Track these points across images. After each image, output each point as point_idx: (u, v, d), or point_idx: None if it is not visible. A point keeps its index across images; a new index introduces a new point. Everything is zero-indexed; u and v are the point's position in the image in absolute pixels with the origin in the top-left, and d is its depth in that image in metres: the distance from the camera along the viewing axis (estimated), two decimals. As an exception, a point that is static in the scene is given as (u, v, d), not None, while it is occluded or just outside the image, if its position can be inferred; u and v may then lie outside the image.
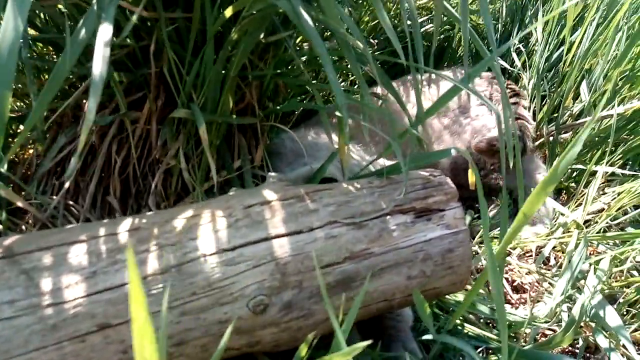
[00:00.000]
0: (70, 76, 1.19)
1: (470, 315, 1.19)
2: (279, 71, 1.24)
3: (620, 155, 1.46)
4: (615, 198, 1.34)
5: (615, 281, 1.18)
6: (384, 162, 1.59)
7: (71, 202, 1.11)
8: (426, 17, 2.07)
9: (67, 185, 1.09)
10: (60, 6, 1.07)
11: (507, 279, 1.39)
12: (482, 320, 1.21)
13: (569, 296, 1.20)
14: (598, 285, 1.07)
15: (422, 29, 2.05)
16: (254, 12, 0.94)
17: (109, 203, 1.13)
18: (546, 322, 1.15)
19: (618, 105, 1.42)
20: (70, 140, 1.18)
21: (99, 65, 0.68)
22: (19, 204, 1.03)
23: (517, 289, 1.39)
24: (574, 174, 1.61)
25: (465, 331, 1.13)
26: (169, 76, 1.07)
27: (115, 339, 0.70)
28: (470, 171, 0.98)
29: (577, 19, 1.69)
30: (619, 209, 1.34)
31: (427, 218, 0.92)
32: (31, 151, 1.21)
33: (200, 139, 1.06)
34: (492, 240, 1.48)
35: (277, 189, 0.88)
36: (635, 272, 1.20)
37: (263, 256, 0.78)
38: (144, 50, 1.10)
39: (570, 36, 1.71)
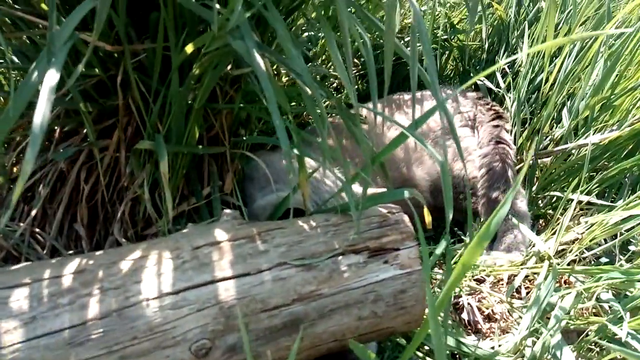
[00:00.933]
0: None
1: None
2: (242, 104, 1.24)
3: (598, 184, 1.44)
4: (588, 229, 1.33)
5: (579, 318, 1.17)
6: (359, 188, 1.60)
7: (37, 230, 1.12)
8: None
9: (33, 212, 1.11)
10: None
11: (479, 307, 1.39)
12: (448, 352, 1.21)
13: (535, 330, 1.19)
14: (557, 324, 1.07)
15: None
16: (214, 49, 0.94)
17: (75, 230, 1.14)
18: (508, 357, 1.14)
19: (594, 133, 1.41)
20: (42, 166, 1.19)
21: (40, 114, 0.69)
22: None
23: (489, 318, 1.38)
24: (553, 200, 1.60)
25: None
26: (134, 107, 1.08)
27: (55, 382, 0.71)
28: (425, 210, 0.98)
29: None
30: (592, 240, 1.33)
31: (381, 258, 0.92)
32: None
33: (170, 167, 1.07)
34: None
35: (229, 228, 0.89)
36: (606, 306, 1.19)
37: (207, 300, 0.79)
38: (113, 80, 1.11)
39: (550, 63, 1.70)
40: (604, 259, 1.40)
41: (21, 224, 1.11)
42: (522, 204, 1.64)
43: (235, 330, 0.80)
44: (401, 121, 1.80)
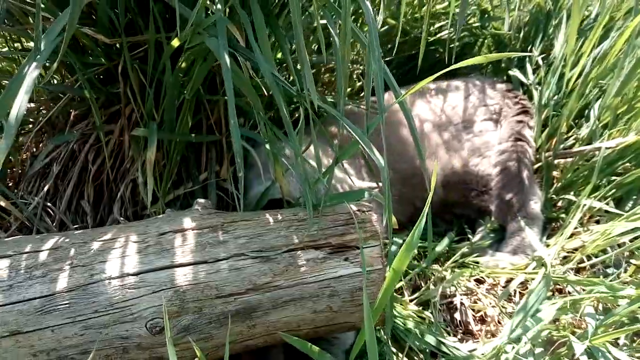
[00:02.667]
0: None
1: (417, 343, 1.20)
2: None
3: (614, 190, 1.36)
4: (592, 237, 1.26)
5: (566, 329, 1.13)
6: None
7: (49, 204, 1.24)
8: (444, 22, 2.00)
9: (46, 188, 1.23)
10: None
11: (472, 308, 1.38)
12: (428, 351, 1.22)
13: (519, 337, 1.17)
14: (535, 333, 1.04)
15: (437, 36, 1.99)
16: (196, 44, 0.99)
17: (82, 207, 1.25)
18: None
19: (614, 136, 1.32)
20: (58, 145, 1.31)
21: (17, 107, 0.77)
22: (1, 203, 1.18)
23: (482, 320, 1.37)
24: (569, 203, 1.53)
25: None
26: (130, 95, 1.15)
27: (25, 344, 0.81)
28: (387, 213, 0.98)
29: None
30: (597, 248, 1.27)
31: (342, 255, 0.95)
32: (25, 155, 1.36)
33: (166, 153, 1.15)
34: (463, 267, 1.46)
35: (196, 217, 0.94)
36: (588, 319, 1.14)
37: (163, 283, 0.85)
38: (117, 69, 1.19)
39: (589, 54, 1.59)
40: (611, 270, 1.33)
41: (35, 198, 1.23)
42: (536, 206, 1.57)
43: (189, 312, 0.86)
44: (423, 110, 1.77)
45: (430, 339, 1.23)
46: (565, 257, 1.37)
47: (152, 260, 0.87)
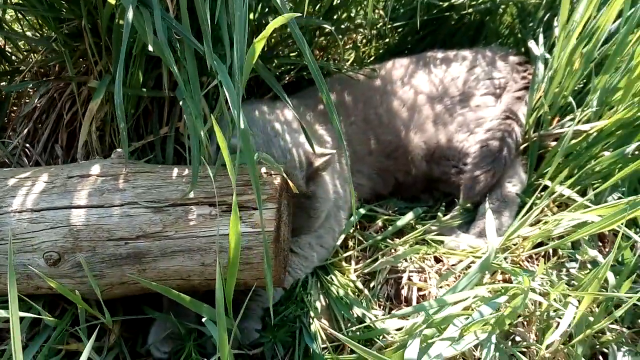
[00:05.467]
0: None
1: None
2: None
3: (581, 177, 1.22)
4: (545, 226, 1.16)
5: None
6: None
7: (27, 146, 1.38)
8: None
9: (25, 130, 1.37)
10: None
11: (419, 288, 1.33)
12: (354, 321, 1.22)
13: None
14: (437, 317, 1.00)
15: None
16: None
17: (55, 151, 1.38)
18: (394, 336, 1.11)
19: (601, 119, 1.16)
20: (46, 92, 1.44)
21: None
22: (-15, 141, 1.33)
23: (425, 298, 1.33)
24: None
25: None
26: (89, 51, 1.23)
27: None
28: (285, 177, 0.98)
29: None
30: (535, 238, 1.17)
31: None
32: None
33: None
34: (424, 244, 1.41)
35: (106, 165, 1.01)
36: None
37: (60, 221, 0.94)
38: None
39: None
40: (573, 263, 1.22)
41: (16, 140, 1.38)
42: (513, 188, 1.47)
43: (83, 250, 0.95)
44: (421, 81, 1.70)
45: (357, 310, 1.23)
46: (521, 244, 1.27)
47: (54, 199, 0.96)
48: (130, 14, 0.92)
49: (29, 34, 1.53)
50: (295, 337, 1.13)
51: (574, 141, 1.25)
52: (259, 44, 0.77)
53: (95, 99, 1.17)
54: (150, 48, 0.91)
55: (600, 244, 1.29)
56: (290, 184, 1.01)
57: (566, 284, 1.06)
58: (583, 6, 1.24)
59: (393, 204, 1.64)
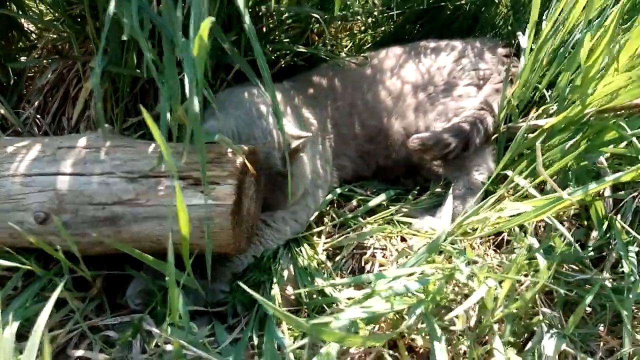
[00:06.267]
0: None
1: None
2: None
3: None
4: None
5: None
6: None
7: (38, 117, 1.54)
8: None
9: (36, 103, 1.53)
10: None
11: (381, 263, 1.44)
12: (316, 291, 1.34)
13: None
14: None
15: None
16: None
17: (62, 122, 1.54)
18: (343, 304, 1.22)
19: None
20: (56, 68, 1.59)
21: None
22: (2, 111, 1.50)
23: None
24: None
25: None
26: (90, 34, 1.37)
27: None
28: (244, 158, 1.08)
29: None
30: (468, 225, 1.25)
31: (200, 187, 1.10)
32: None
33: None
34: (396, 224, 1.50)
35: (92, 139, 1.15)
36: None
37: (47, 186, 1.09)
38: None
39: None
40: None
41: (28, 111, 1.54)
42: (480, 177, 1.54)
43: (67, 212, 1.09)
44: (409, 70, 1.76)
45: (318, 280, 1.34)
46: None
47: (44, 166, 1.10)
48: (112, 5, 1.04)
49: (44, 10, 1.67)
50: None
51: (532, 135, 1.31)
52: (204, 30, 0.86)
53: (92, 77, 1.30)
54: (125, 36, 1.02)
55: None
56: (249, 164, 1.12)
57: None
58: (554, 4, 1.28)
59: (372, 186, 1.74)
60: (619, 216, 1.31)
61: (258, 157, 1.26)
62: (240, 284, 1.00)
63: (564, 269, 1.24)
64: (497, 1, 1.93)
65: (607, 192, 1.32)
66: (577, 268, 1.27)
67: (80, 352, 1.12)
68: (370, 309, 0.95)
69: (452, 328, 1.03)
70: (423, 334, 1.09)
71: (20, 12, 1.54)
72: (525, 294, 1.06)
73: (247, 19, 1.11)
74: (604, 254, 1.32)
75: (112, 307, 1.27)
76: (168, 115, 1.05)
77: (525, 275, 1.09)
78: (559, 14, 1.30)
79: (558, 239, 1.09)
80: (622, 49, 1.04)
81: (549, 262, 1.04)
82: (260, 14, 1.69)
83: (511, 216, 1.13)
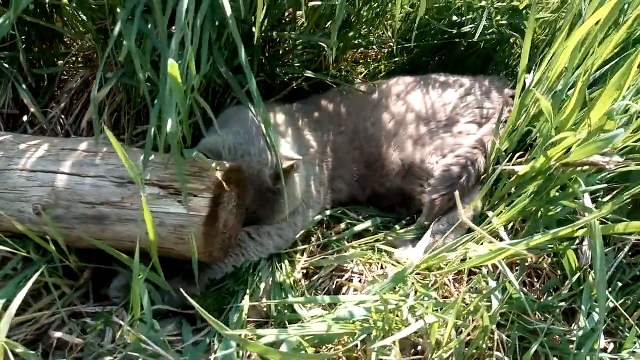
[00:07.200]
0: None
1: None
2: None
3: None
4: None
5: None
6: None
7: (62, 117, 1.70)
8: (471, 16, 1.93)
9: (62, 104, 1.69)
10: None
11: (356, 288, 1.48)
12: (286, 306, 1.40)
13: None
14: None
15: (461, 29, 1.94)
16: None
17: (81, 125, 1.69)
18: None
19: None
20: (83, 75, 1.75)
21: None
22: (32, 109, 1.67)
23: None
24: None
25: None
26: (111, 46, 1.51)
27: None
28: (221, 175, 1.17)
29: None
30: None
31: (178, 197, 1.19)
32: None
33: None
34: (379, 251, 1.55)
35: (93, 144, 1.28)
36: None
37: (47, 182, 1.22)
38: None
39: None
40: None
41: (54, 110, 1.70)
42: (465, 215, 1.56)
43: (61, 207, 1.22)
44: (416, 98, 1.81)
45: (295, 299, 1.40)
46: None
47: (46, 164, 1.24)
48: (117, 27, 1.16)
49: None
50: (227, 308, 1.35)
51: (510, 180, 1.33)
52: (173, 67, 0.97)
53: (103, 88, 1.44)
54: (121, 57, 1.14)
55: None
56: (224, 181, 1.21)
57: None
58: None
59: (366, 211, 1.79)
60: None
61: (243, 174, 1.35)
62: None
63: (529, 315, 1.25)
64: (511, 41, 1.95)
65: (585, 243, 1.32)
66: (543, 317, 1.27)
67: (58, 334, 1.23)
68: (306, 330, 1.01)
69: (392, 359, 1.06)
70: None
71: (62, 25, 1.71)
72: (477, 334, 1.09)
73: (242, 52, 1.20)
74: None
75: (98, 298, 1.38)
76: (153, 130, 1.15)
77: (475, 314, 1.11)
78: (546, 65, 1.32)
79: (509, 285, 1.11)
80: (591, 109, 1.06)
81: (498, 306, 1.06)
82: (275, 38, 1.79)
83: (463, 259, 1.16)
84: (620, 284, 1.34)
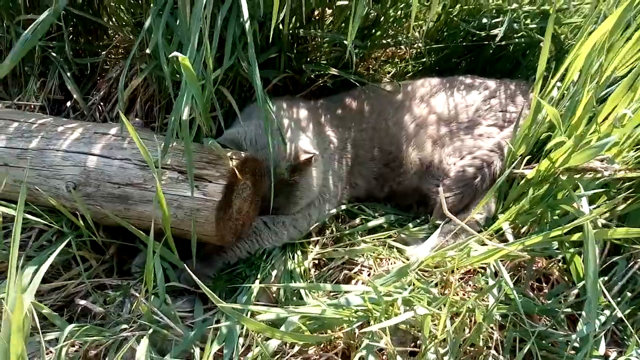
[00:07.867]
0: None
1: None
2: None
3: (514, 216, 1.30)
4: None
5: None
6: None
7: (101, 104, 1.83)
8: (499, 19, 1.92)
9: (101, 92, 1.81)
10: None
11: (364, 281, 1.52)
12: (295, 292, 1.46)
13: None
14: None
15: (490, 32, 1.94)
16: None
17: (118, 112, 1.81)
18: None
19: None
20: (122, 66, 1.87)
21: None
22: (75, 96, 1.80)
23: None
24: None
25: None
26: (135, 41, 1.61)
27: (10, 173, 1.38)
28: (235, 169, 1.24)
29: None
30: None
31: (195, 182, 1.28)
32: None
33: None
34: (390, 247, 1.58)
35: (122, 129, 1.38)
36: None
37: (79, 162, 1.33)
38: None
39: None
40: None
41: (94, 98, 1.83)
42: (478, 216, 1.57)
43: (91, 186, 1.33)
44: (439, 101, 1.83)
45: (298, 284, 1.46)
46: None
47: (80, 146, 1.35)
48: (148, 21, 1.26)
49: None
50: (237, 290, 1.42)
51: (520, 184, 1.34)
52: (185, 60, 1.05)
53: (138, 77, 1.54)
54: (149, 49, 1.23)
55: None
56: (237, 170, 1.28)
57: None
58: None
59: (383, 208, 1.82)
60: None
61: (259, 164, 1.42)
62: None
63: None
64: (541, 45, 1.92)
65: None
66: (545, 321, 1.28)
67: (83, 302, 1.34)
68: (302, 311, 1.06)
69: (382, 345, 1.10)
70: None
71: (106, 20, 1.84)
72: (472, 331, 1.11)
73: (252, 51, 1.27)
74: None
75: (122, 273, 1.49)
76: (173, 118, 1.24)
77: (472, 310, 1.13)
78: (564, 71, 1.32)
79: (505, 284, 1.12)
80: (599, 114, 1.06)
81: (494, 304, 1.08)
82: (301, 36, 1.85)
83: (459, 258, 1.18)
84: (630, 294, 1.32)
